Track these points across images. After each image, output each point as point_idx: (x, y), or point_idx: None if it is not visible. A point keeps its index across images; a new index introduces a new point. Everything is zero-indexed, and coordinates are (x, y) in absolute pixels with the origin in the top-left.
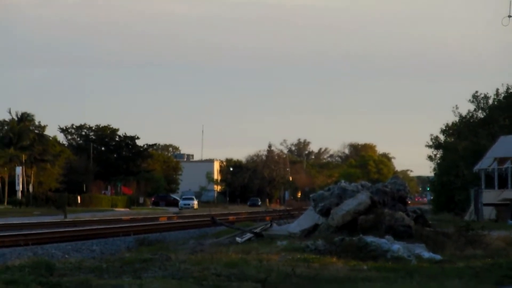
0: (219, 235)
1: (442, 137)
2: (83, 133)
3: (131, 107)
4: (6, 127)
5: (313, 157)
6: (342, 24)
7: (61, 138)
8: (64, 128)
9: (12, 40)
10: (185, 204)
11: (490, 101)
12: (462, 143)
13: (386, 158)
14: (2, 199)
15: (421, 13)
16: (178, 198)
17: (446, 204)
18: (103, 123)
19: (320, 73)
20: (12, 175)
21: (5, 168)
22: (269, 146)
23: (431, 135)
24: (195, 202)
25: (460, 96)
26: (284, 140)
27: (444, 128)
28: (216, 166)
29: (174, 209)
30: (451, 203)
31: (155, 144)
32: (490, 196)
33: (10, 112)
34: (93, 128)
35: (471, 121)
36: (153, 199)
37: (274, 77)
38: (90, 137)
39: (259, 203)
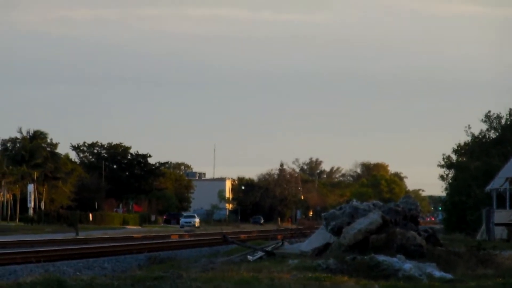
0: (231, 253)
1: (454, 157)
2: (95, 151)
3: (143, 126)
4: (18, 145)
5: (325, 176)
6: (355, 43)
7: (73, 156)
8: (76, 146)
9: (23, 58)
10: (186, 222)
11: (503, 121)
12: (474, 163)
13: (398, 178)
14: (14, 216)
15: (434, 33)
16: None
17: (458, 224)
18: (115, 141)
19: (332, 92)
20: (24, 192)
21: (17, 186)
22: (281, 165)
23: (443, 154)
24: (197, 220)
25: (472, 116)
26: (296, 159)
27: (456, 147)
28: (228, 184)
29: (186, 228)
30: (462, 223)
31: (167, 163)
32: (501, 216)
33: (21, 131)
34: (105, 146)
35: (484, 141)
36: (164, 217)
37: (286, 96)
38: (102, 155)
39: (262, 221)
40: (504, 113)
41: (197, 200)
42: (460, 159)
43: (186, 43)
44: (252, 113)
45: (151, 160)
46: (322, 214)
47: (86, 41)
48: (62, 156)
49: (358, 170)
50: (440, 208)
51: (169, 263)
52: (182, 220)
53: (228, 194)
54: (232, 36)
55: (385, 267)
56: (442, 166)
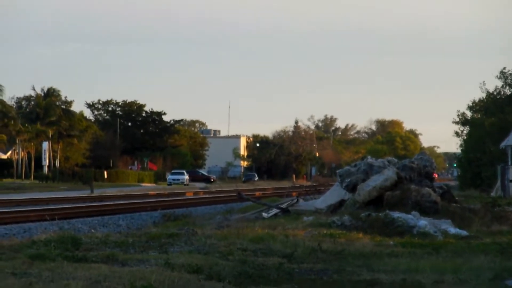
0: (246, 211)
1: (469, 114)
2: (110, 108)
3: (158, 83)
4: (32, 103)
5: (340, 133)
6: (371, 1)
7: (87, 113)
8: (91, 103)
9: (37, 17)
10: (174, 180)
11: None
12: (489, 120)
13: (413, 135)
14: (29, 174)
15: None
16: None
17: (473, 180)
18: (129, 98)
19: (347, 49)
20: (39, 150)
21: (32, 144)
22: (296, 122)
23: (458, 111)
24: (186, 178)
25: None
26: (311, 116)
27: (471, 104)
28: (243, 142)
29: (200, 185)
30: (477, 180)
31: (181, 120)
32: None
33: (34, 89)
34: (120, 103)
35: (498, 97)
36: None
37: (301, 53)
38: (117, 112)
39: (256, 178)
40: None
41: (212, 157)
42: (475, 115)
43: (201, 1)
44: (266, 71)
45: (165, 118)
46: (337, 171)
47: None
48: (77, 113)
49: (373, 127)
50: (455, 165)
51: (183, 220)
52: (169, 177)
53: (242, 151)
54: None
55: (399, 223)
56: (457, 123)
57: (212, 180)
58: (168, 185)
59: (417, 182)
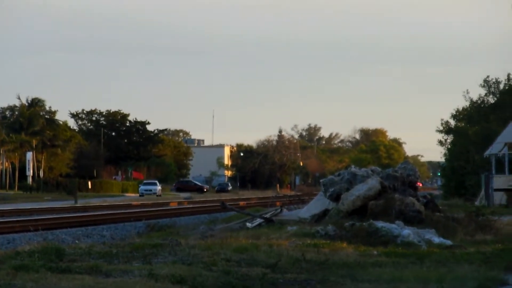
0: (229, 221)
1: (452, 122)
2: (94, 118)
3: (142, 92)
4: (16, 113)
5: (323, 142)
6: (352, 9)
7: (71, 123)
8: (75, 113)
9: (21, 26)
10: (146, 190)
11: (501, 86)
12: (472, 128)
13: (397, 143)
14: (13, 185)
15: None
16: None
17: (457, 189)
18: (113, 108)
19: (330, 58)
20: (23, 161)
21: (16, 154)
22: (280, 131)
23: (442, 120)
24: (159, 188)
25: (471, 81)
26: (295, 125)
27: (455, 113)
28: (227, 151)
29: (185, 195)
30: (461, 189)
31: (165, 129)
32: (500, 181)
33: (19, 98)
34: (104, 113)
35: (482, 106)
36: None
37: (284, 62)
38: (101, 122)
39: (229, 187)
40: (502, 78)
41: (196, 167)
42: (459, 124)
43: (184, 10)
44: (250, 80)
45: (149, 127)
46: (321, 180)
47: (83, 8)
48: (61, 123)
49: (357, 136)
50: (439, 174)
51: (167, 230)
52: (141, 187)
53: (227, 161)
54: (231, 2)
55: (383, 233)
56: (440, 131)
57: (205, 190)
58: (140, 196)
59: (401, 191)
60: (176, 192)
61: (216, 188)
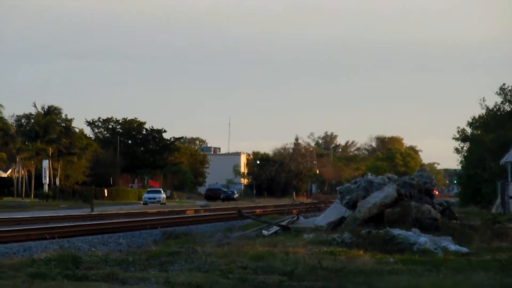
0: (246, 228)
1: (469, 130)
2: (110, 126)
3: (158, 100)
4: (32, 121)
5: (340, 150)
6: (370, 15)
7: (88, 131)
8: (91, 121)
9: (38, 34)
10: (150, 199)
11: None
12: (489, 136)
13: (413, 151)
14: (29, 193)
15: (450, 6)
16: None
17: (473, 197)
18: (130, 116)
19: (347, 65)
20: (39, 169)
21: (32, 162)
22: (296, 139)
23: (458, 127)
24: (163, 196)
25: (487, 88)
26: (311, 133)
27: (471, 121)
28: (243, 159)
29: (201, 202)
30: (477, 196)
31: (182, 137)
32: None
33: (35, 106)
34: (120, 121)
35: (498, 113)
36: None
37: (301, 70)
38: (117, 130)
39: (236, 195)
40: None
41: (212, 175)
42: (475, 132)
43: (199, 16)
44: (267, 87)
45: (166, 135)
46: (337, 188)
47: (101, 16)
48: (77, 131)
49: (373, 144)
50: (455, 182)
51: (184, 238)
52: (145, 195)
53: (243, 169)
54: (245, 7)
55: (400, 240)
56: (457, 139)
57: (235, 197)
58: (144, 204)
59: (417, 199)
60: (206, 200)
61: (221, 196)
